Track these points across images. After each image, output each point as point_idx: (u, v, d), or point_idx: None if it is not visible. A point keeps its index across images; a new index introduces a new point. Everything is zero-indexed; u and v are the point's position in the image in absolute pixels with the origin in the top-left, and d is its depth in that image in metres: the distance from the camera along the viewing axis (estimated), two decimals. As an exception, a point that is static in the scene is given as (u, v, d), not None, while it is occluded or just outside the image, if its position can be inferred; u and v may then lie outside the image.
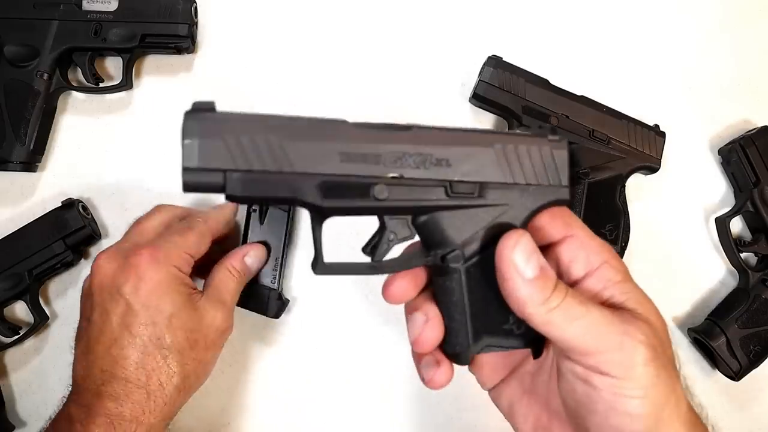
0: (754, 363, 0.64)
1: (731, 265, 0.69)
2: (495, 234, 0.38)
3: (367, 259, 0.39)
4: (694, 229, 0.70)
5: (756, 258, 0.69)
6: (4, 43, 0.62)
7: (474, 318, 0.39)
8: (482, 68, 0.65)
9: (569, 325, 0.35)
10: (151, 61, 0.68)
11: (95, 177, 0.66)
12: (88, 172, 0.66)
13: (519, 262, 0.35)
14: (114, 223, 0.65)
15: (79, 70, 0.66)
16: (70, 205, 0.62)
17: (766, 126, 0.68)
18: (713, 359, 0.66)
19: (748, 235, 0.70)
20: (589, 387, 0.36)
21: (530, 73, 0.65)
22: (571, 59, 0.72)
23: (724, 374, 0.65)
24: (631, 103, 0.70)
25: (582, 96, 0.66)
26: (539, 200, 0.39)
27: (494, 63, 0.64)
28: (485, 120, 0.69)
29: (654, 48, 0.73)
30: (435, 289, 0.41)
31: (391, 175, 0.36)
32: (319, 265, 0.37)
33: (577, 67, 0.71)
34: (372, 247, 0.39)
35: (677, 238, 0.69)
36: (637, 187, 0.69)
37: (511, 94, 0.64)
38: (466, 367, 0.43)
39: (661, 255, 0.69)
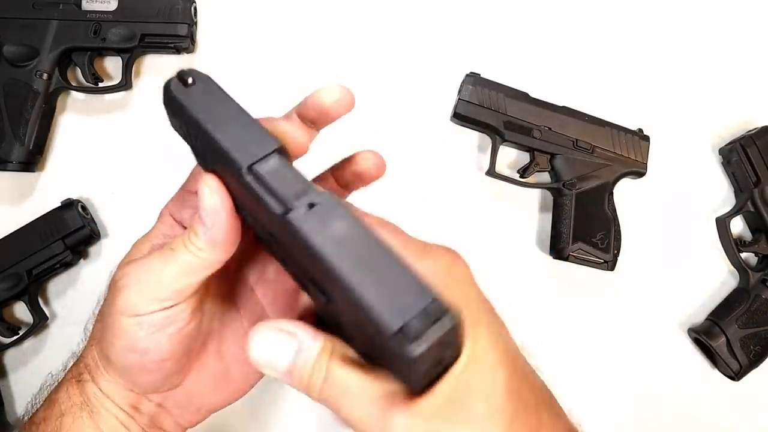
0: (754, 363, 0.64)
1: (731, 265, 0.69)
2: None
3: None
4: (695, 229, 0.70)
5: (756, 258, 0.69)
6: (3, 43, 0.62)
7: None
8: (461, 87, 0.65)
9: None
10: (151, 61, 0.68)
11: (95, 177, 0.66)
12: (87, 172, 0.66)
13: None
14: (114, 223, 0.65)
15: (79, 70, 0.66)
16: (69, 205, 0.62)
17: (766, 126, 0.68)
18: (713, 359, 0.66)
19: (748, 235, 0.70)
20: None
21: (509, 87, 0.65)
22: (567, 66, 0.72)
23: (724, 374, 0.65)
24: (632, 104, 0.71)
25: (563, 106, 0.66)
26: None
27: (472, 81, 0.64)
28: (467, 138, 0.69)
29: (654, 48, 0.73)
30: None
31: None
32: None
33: (573, 74, 0.71)
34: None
35: (678, 238, 0.69)
36: (637, 188, 0.69)
37: (492, 111, 0.64)
38: None
39: (662, 255, 0.69)
